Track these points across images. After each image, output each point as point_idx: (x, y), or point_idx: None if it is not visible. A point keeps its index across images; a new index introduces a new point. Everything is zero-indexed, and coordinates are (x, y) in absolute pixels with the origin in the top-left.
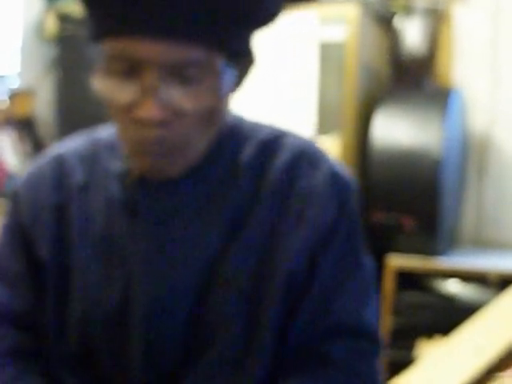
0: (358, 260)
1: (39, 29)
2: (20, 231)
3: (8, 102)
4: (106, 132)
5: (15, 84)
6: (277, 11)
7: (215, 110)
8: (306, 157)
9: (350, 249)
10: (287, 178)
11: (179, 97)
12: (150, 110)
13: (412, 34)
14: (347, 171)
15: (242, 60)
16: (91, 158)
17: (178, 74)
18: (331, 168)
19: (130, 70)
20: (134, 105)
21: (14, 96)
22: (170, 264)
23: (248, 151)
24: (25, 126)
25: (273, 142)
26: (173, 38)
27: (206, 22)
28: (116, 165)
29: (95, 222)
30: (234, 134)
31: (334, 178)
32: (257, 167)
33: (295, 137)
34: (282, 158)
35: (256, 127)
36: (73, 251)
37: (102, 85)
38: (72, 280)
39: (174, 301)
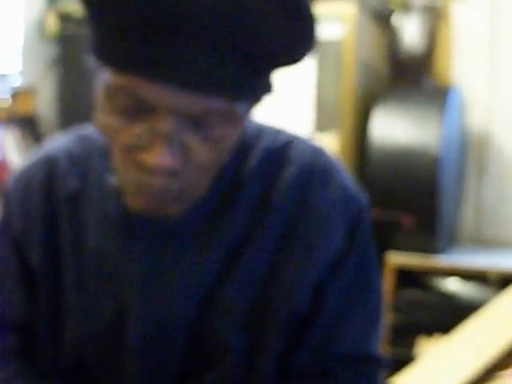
0: (368, 288)
1: (40, 28)
2: (12, 237)
3: (10, 100)
4: (96, 130)
5: (17, 82)
6: (304, 55)
7: (228, 153)
8: (316, 174)
9: (358, 277)
10: (294, 199)
11: (195, 146)
12: (159, 157)
13: (410, 31)
14: (358, 187)
15: (262, 96)
16: (83, 160)
17: (195, 121)
18: (343, 187)
19: (138, 108)
20: (140, 147)
21: (16, 94)
22: (166, 289)
23: (251, 164)
24: (27, 124)
25: (279, 152)
26: (194, 89)
27: (231, 73)
28: (111, 178)
29: (88, 235)
30: (237, 144)
31: (346, 199)
32: (260, 184)
33: (304, 145)
34: (288, 174)
35: (261, 132)
36: (64, 264)
37: (103, 121)
38: (65, 293)
39: (171, 326)
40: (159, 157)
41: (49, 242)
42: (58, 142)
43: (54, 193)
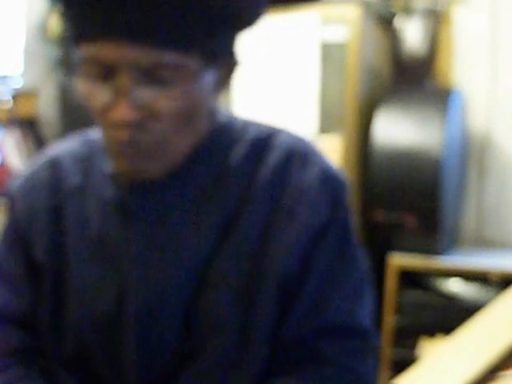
0: (351, 258)
1: (42, 29)
2: (17, 234)
3: (11, 102)
4: (99, 133)
5: (18, 84)
6: (258, 14)
7: (193, 112)
8: (297, 156)
9: (342, 248)
10: (278, 178)
11: (151, 98)
12: (121, 112)
13: (412, 34)
14: (339, 169)
15: (223, 61)
16: (86, 159)
17: (151, 75)
18: (323, 166)
19: (105, 73)
20: (108, 107)
21: (18, 96)
22: (162, 265)
23: (239, 151)
24: (28, 126)
25: (264, 141)
26: (144, 42)
27: (178, 25)
28: (109, 166)
29: (90, 223)
30: (225, 134)
31: (326, 176)
32: (247, 167)
33: (287, 135)
34: (272, 158)
35: (247, 126)
36: (68, 253)
37: (80, 88)
38: (68, 282)
39: (167, 302)
40: (120, 111)
41: (54, 235)
42: (61, 145)
43: (58, 189)
